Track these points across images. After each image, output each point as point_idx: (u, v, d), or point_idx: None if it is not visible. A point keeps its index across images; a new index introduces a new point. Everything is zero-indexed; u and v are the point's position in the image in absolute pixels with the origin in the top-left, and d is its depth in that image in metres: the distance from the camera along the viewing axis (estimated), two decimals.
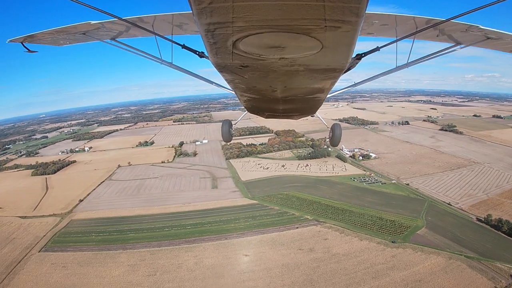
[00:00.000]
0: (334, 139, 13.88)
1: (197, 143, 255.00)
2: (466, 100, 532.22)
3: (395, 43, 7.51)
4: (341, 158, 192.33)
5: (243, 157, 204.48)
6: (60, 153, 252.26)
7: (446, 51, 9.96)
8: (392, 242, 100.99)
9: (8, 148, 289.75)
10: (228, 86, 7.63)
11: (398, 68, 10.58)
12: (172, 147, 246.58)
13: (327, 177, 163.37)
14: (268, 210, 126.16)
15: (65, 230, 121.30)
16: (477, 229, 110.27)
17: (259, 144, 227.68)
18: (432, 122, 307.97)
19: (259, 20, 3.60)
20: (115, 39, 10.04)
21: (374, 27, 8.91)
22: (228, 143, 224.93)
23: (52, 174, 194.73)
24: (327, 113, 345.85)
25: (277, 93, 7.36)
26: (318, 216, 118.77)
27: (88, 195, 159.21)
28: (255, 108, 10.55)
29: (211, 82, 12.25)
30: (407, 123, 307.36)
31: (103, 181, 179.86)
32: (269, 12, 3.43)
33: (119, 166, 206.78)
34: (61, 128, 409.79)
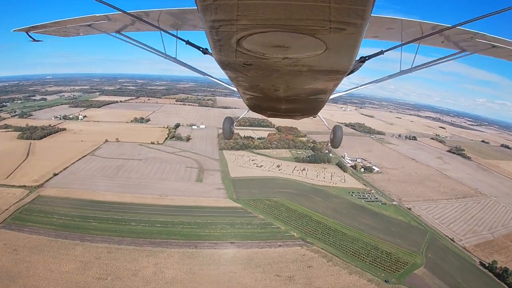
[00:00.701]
0: (335, 141, 12.79)
1: (193, 127, 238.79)
2: (475, 124, 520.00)
3: (400, 48, 7.22)
4: (341, 166, 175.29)
5: (238, 149, 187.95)
6: (53, 118, 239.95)
7: (451, 57, 9.70)
8: (386, 281, 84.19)
9: (5, 106, 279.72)
10: (231, 83, 7.50)
11: (402, 72, 10.25)
12: (167, 127, 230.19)
13: (324, 186, 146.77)
14: (251, 218, 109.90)
15: (29, 206, 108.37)
16: (480, 276, 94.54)
17: (257, 138, 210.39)
18: (440, 141, 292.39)
19: (263, 19, 3.54)
20: (120, 32, 9.92)
21: (379, 30, 8.71)
22: None
23: (38, 139, 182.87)
24: (334, 115, 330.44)
25: (279, 93, 7.19)
26: (306, 235, 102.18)
27: (65, 169, 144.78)
28: (257, 106, 10.08)
29: (214, 79, 12.32)
30: (414, 138, 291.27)
31: (85, 155, 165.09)
32: (274, 11, 3.38)
33: (106, 141, 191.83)
34: (62, 92, 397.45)
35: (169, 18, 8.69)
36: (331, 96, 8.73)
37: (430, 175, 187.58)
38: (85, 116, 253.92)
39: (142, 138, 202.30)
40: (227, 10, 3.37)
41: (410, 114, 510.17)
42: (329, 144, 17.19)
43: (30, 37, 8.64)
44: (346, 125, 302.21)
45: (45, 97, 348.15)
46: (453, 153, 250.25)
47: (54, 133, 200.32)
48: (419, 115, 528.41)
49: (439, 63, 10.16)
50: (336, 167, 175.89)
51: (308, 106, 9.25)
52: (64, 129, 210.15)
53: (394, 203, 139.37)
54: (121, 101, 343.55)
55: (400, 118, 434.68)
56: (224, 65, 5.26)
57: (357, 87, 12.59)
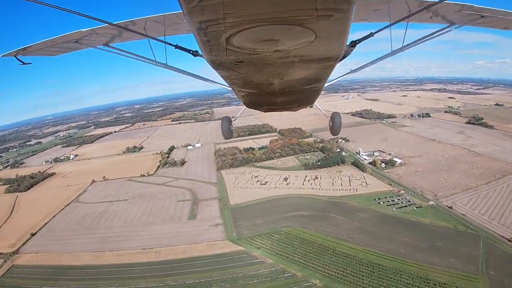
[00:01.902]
0: (335, 128, 12.47)
1: (189, 147, 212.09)
2: (481, 87, 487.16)
3: (389, 28, 7.19)
4: (358, 166, 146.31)
5: (238, 166, 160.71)
6: (44, 163, 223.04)
7: (440, 32, 9.33)
8: None
9: (1, 157, 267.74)
10: (224, 82, 7.25)
11: (393, 52, 9.75)
12: (160, 153, 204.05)
13: (343, 197, 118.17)
14: (257, 265, 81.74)
15: (1, 281, 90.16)
16: None
17: (258, 149, 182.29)
18: (455, 113, 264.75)
19: (250, 14, 3.45)
20: (108, 45, 9.56)
21: (367, 13, 8.38)
22: (223, 148, 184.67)
23: (24, 191, 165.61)
24: (337, 106, 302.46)
25: (274, 86, 7.02)
26: (332, 280, 73.64)
27: (44, 225, 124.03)
28: (253, 102, 9.88)
29: (207, 80, 11.53)
30: (428, 115, 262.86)
31: (69, 204, 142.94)
32: (260, 6, 3.30)
33: (93, 181, 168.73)
34: (58, 132, 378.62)
35: (156, 25, 8.20)
36: (326, 84, 8.49)
37: (458, 155, 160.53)
38: (76, 155, 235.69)
39: (132, 170, 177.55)
40: (213, 10, 3.28)
41: (414, 90, 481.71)
42: (330, 132, 13.03)
43: (19, 60, 8.27)
44: (353, 114, 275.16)
45: (40, 140, 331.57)
46: (473, 123, 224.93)
47: (43, 180, 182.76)
48: (423, 88, 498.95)
49: (429, 39, 9.61)
50: (352, 168, 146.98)
51: (304, 96, 8.96)
52: (54, 174, 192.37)
53: (431, 203, 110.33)
54: (115, 131, 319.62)
55: (406, 96, 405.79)
56: (215, 65, 5.14)
57: (350, 71, 11.79)
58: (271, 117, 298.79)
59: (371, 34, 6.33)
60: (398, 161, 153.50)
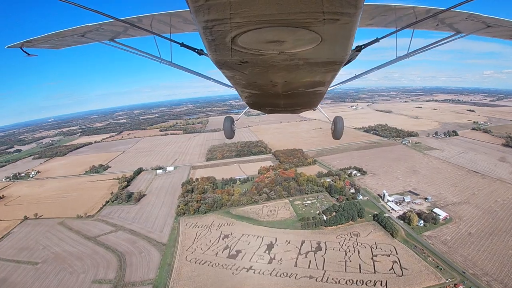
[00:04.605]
0: (336, 132, 11.32)
1: (158, 171, 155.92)
2: (494, 98, 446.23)
3: (395, 34, 6.70)
4: (385, 225, 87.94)
5: (205, 213, 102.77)
6: (3, 180, 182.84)
7: (446, 40, 8.86)
8: None
9: None
10: (229, 82, 6.92)
11: (398, 58, 9.30)
12: (121, 178, 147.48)
13: None
14: None
15: None
16: None
17: (239, 182, 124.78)
18: (484, 131, 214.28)
19: (257, 15, 3.32)
20: (113, 40, 8.97)
21: (373, 18, 7.90)
22: (194, 179, 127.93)
23: None
24: (346, 117, 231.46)
25: (277, 88, 6.70)
26: None
27: None
28: (256, 103, 9.35)
29: (211, 79, 10.93)
30: (454, 133, 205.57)
31: None
32: (266, 7, 3.19)
33: (25, 218, 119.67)
34: (45, 138, 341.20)
35: (162, 22, 7.77)
36: (330, 88, 8.25)
37: None
38: (38, 172, 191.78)
39: (75, 204, 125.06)
40: (220, 9, 3.15)
41: (427, 101, 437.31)
42: (332, 136, 11.46)
43: (25, 52, 7.88)
44: (366, 130, 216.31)
45: (21, 147, 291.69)
46: None
47: None
48: (436, 99, 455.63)
49: (434, 46, 9.16)
50: (375, 227, 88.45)
51: (307, 99, 8.43)
52: (2, 197, 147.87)
53: None
54: (96, 141, 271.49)
55: (421, 107, 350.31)
56: (220, 65, 4.88)
57: (355, 76, 11.15)
58: (269, 131, 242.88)
59: (377, 40, 5.83)
60: (442, 214, 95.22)
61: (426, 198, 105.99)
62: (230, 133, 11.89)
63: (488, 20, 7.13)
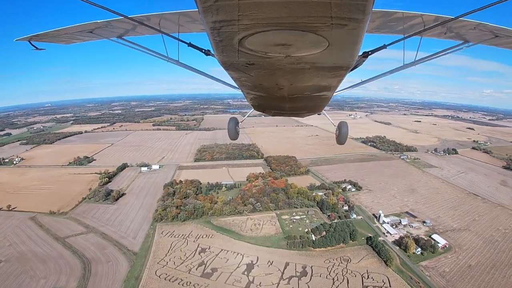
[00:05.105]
0: (341, 138, 11.02)
1: (143, 169, 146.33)
2: (494, 117, 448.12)
3: (403, 41, 6.66)
4: (378, 249, 79.20)
5: (184, 220, 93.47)
6: None
7: (454, 49, 8.67)
8: None
9: None
10: (234, 84, 6.88)
11: (405, 66, 9.07)
12: (103, 174, 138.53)
13: None
14: None
15: None
16: None
17: (225, 188, 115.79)
18: (484, 151, 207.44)
19: (265, 18, 3.32)
20: (122, 37, 8.87)
21: (381, 24, 7.88)
22: (178, 181, 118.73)
23: None
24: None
25: (283, 91, 6.63)
26: None
27: None
28: (261, 106, 9.05)
29: (217, 80, 10.67)
30: (454, 151, 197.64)
31: None
32: (274, 10, 3.18)
33: None
34: (37, 123, 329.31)
35: (170, 21, 7.80)
36: (336, 93, 8.15)
37: None
38: (22, 159, 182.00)
39: (52, 199, 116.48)
40: (228, 11, 3.13)
41: (426, 115, 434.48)
42: (336, 141, 11.04)
43: (33, 45, 7.81)
44: (364, 141, 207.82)
45: (12, 131, 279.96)
46: None
47: None
48: (435, 114, 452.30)
49: (442, 55, 8.93)
50: (368, 252, 79.60)
51: (313, 103, 8.33)
52: None
53: None
54: (86, 131, 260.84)
55: (420, 121, 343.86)
56: (226, 66, 4.84)
57: (361, 82, 10.93)
58: (263, 134, 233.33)
59: (384, 46, 5.79)
60: (441, 241, 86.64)
61: (424, 222, 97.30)
62: (234, 135, 11.45)
63: (495, 29, 6.92)
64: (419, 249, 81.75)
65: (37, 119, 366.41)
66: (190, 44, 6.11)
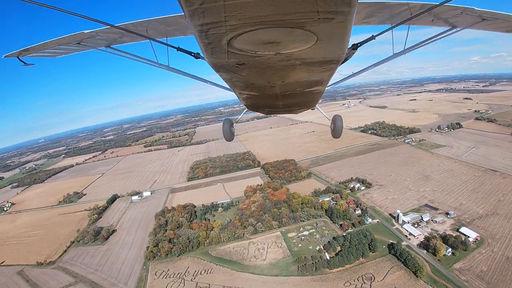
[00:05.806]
0: (336, 131, 10.79)
1: (134, 198, 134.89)
2: (487, 83, 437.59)
3: (391, 31, 6.63)
4: (404, 258, 67.27)
5: (179, 255, 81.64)
6: None
7: (442, 35, 8.51)
8: None
9: None
10: (226, 85, 6.83)
11: (395, 55, 8.84)
12: (93, 210, 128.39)
13: None
14: None
15: None
16: None
17: (221, 209, 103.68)
18: (489, 120, 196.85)
19: (251, 17, 3.29)
20: (110, 46, 8.66)
21: (369, 16, 7.71)
22: (170, 207, 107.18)
23: None
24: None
25: (275, 89, 6.63)
26: None
27: None
28: (254, 105, 8.92)
29: (208, 82, 10.34)
30: (459, 125, 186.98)
31: None
32: (261, 8, 3.16)
33: None
34: (29, 162, 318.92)
35: (158, 27, 7.62)
36: (328, 87, 8.01)
37: None
38: (12, 204, 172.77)
39: (40, 247, 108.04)
40: (214, 13, 3.10)
41: (419, 92, 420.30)
42: (331, 135, 10.95)
43: (22, 61, 7.63)
44: (363, 130, 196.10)
45: (4, 174, 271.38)
46: None
47: None
48: (428, 90, 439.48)
49: (431, 41, 8.74)
50: (392, 263, 67.85)
51: (306, 99, 8.31)
52: None
53: None
54: (77, 163, 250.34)
55: (415, 99, 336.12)
56: (217, 68, 4.82)
57: (352, 74, 10.54)
58: (258, 139, 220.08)
59: (373, 37, 5.82)
60: (471, 235, 74.99)
61: (447, 213, 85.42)
62: (229, 136, 11.02)
63: (483, 13, 6.98)
64: (450, 249, 70.00)
65: (30, 157, 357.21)
66: (179, 48, 6.03)
